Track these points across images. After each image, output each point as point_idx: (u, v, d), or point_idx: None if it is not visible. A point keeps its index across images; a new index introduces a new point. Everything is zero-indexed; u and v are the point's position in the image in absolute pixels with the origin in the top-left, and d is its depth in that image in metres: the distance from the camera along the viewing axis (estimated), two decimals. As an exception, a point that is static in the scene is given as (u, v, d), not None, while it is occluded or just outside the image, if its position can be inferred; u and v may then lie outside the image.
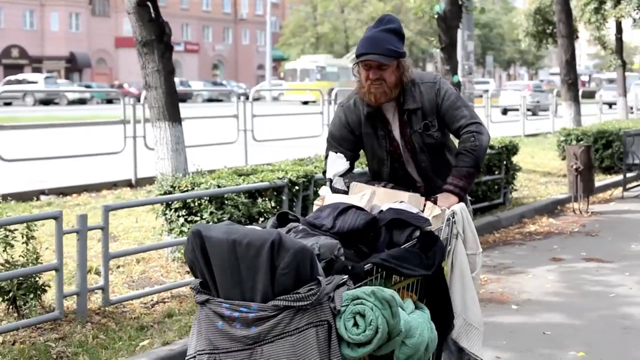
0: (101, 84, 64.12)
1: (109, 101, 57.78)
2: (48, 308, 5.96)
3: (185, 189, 7.08)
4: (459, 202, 4.27)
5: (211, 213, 6.89)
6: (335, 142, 4.57)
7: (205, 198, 6.91)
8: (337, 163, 4.47)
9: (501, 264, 8.31)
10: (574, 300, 7.02)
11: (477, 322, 4.24)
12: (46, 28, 75.22)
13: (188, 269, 5.98)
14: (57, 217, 5.62)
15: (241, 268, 3.27)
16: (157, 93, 7.46)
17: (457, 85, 11.80)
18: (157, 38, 7.40)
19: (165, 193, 7.14)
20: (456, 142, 4.56)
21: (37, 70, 69.09)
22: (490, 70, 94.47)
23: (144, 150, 12.51)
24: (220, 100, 59.93)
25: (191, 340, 3.46)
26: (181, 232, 7.03)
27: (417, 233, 3.91)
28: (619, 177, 13.74)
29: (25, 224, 5.91)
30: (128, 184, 12.06)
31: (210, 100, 60.63)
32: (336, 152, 4.52)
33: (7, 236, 5.83)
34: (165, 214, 7.22)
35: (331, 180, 4.43)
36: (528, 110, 26.19)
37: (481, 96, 24.67)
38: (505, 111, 34.46)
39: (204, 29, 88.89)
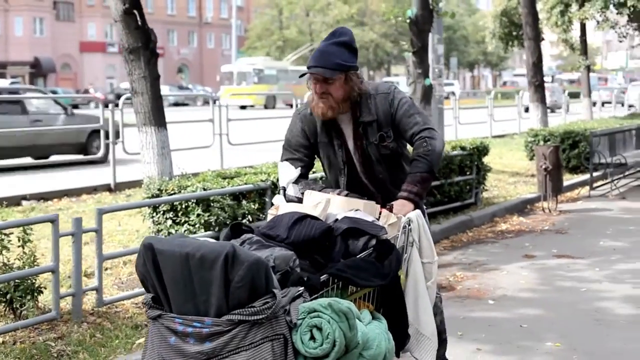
0: (66, 89, 63.77)
1: (75, 106, 57.64)
2: (44, 309, 6.15)
3: (172, 192, 7.29)
4: (415, 208, 4.26)
5: (198, 215, 7.11)
6: (291, 148, 4.55)
7: (193, 200, 7.12)
8: (289, 171, 4.45)
9: (476, 262, 8.60)
10: (547, 295, 7.32)
11: (429, 332, 4.19)
12: (10, 33, 74.81)
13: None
14: (54, 221, 5.82)
15: (194, 282, 3.21)
16: (143, 99, 7.67)
17: (429, 88, 12.10)
18: (143, 45, 7.61)
19: (152, 196, 7.35)
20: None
21: (1, 75, 68.60)
22: (454, 71, 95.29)
23: (122, 155, 12.71)
24: (186, 105, 60.02)
25: (143, 356, 3.41)
26: (169, 233, 7.24)
27: (373, 242, 3.88)
28: (585, 177, 14.15)
29: (21, 228, 6.09)
30: (107, 188, 12.23)
31: (176, 104, 60.60)
32: (291, 159, 4.51)
33: (2, 240, 6.03)
34: (152, 217, 7.42)
35: (284, 189, 4.42)
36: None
37: (448, 97, 25.04)
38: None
39: (169, 33, 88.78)
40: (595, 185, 13.62)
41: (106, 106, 13.04)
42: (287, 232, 3.77)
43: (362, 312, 3.65)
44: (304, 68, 4.70)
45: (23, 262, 6.04)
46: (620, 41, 26.76)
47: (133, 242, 8.25)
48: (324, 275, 3.56)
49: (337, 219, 3.98)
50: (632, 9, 21.78)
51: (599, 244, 9.45)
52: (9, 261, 5.98)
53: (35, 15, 75.48)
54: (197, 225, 7.10)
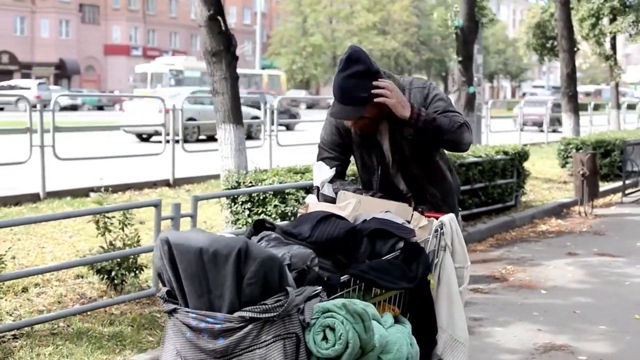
0: (92, 91, 64.70)
1: (100, 108, 58.53)
2: (144, 285, 6.79)
3: (250, 184, 7.92)
4: (411, 117, 3.99)
5: (275, 206, 7.73)
6: (327, 147, 4.41)
7: (270, 192, 7.75)
8: (323, 170, 4.34)
9: (523, 258, 9.19)
10: (594, 286, 7.92)
11: (463, 338, 4.12)
12: (36, 34, 75.77)
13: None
14: (157, 205, 6.43)
15: (208, 277, 3.16)
16: (223, 98, 8.29)
17: (473, 95, 12.72)
18: (225, 49, 8.23)
19: (231, 187, 7.98)
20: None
21: (26, 76, 69.56)
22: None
23: (181, 153, 13.40)
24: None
25: (162, 351, 3.37)
26: (246, 222, 7.86)
27: (401, 244, 3.76)
28: (617, 184, 14.72)
29: (121, 212, 6.74)
30: (166, 183, 12.91)
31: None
32: (327, 158, 4.38)
33: (105, 222, 6.69)
34: (230, 207, 8.05)
35: (318, 188, 4.31)
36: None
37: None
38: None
39: (192, 37, 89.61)
40: (627, 192, 14.20)
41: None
42: (311, 231, 3.67)
43: (384, 315, 3.57)
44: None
45: (125, 243, 6.67)
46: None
47: (219, 229, 8.76)
48: (345, 276, 3.48)
49: (365, 220, 3.87)
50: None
51: (637, 245, 10.03)
52: (113, 241, 6.62)
53: (61, 17, 76.43)
54: (273, 216, 7.72)
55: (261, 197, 7.83)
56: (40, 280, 6.80)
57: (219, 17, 8.19)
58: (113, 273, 6.61)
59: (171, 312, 3.26)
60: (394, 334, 3.47)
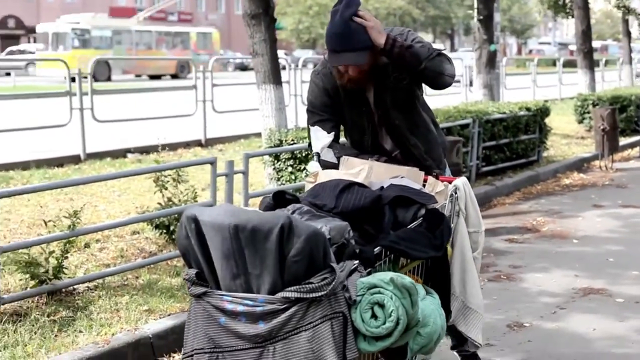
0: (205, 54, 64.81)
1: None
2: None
3: (292, 141, 8.26)
4: (385, 46, 3.84)
5: (318, 162, 8.08)
6: (318, 110, 4.22)
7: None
8: (321, 135, 4.17)
9: (551, 210, 9.55)
10: (623, 236, 8.28)
11: (476, 305, 4.06)
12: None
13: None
14: (213, 162, 6.78)
15: (245, 256, 2.98)
16: (263, 59, 8.61)
17: (494, 53, 13.02)
18: (264, 11, 8.54)
19: (274, 145, 8.32)
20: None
21: (33, 40, 69.60)
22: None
23: (211, 113, 13.76)
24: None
25: (186, 336, 3.17)
26: (289, 179, 8.21)
27: (423, 211, 3.67)
28: (634, 139, 15.09)
29: (174, 170, 7.09)
30: (198, 143, 13.28)
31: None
32: (320, 121, 4.20)
33: (161, 180, 7.05)
34: (274, 164, 8.41)
35: (319, 155, 4.16)
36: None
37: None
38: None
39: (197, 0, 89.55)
40: (644, 146, 14.54)
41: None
42: (335, 201, 3.55)
43: (416, 286, 3.33)
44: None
45: (180, 199, 7.03)
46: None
47: (258, 187, 9.09)
48: (377, 248, 3.34)
49: (382, 187, 3.76)
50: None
51: (659, 196, 10.40)
52: (170, 199, 6.97)
53: (65, -21, 76.36)
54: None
55: (303, 154, 8.17)
56: (100, 236, 7.18)
57: (258, -19, 8.48)
58: (172, 227, 6.98)
59: (200, 296, 3.09)
60: (428, 307, 3.39)
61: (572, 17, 24.43)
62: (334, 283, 2.96)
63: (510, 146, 11.49)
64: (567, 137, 15.79)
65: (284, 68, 18.18)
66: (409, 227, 3.58)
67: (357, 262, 3.14)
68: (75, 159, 11.32)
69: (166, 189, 7.04)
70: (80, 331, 5.00)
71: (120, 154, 11.91)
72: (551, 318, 5.71)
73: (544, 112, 12.36)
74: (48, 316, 5.22)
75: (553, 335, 5.37)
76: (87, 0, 77.61)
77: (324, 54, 4.14)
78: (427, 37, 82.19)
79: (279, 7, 78.46)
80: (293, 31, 77.40)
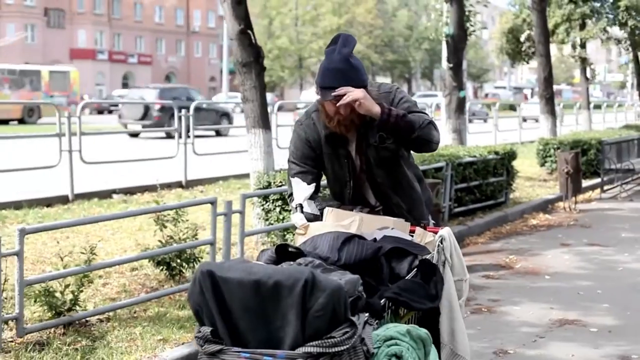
0: (61, 96, 64.86)
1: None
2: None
3: (280, 183, 8.72)
4: (382, 117, 3.94)
5: (306, 203, 8.55)
6: (299, 161, 4.25)
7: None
8: (302, 187, 4.21)
9: (521, 248, 10.10)
10: (591, 272, 8.84)
11: (463, 352, 4.10)
12: (1, 39, 75.64)
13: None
14: (213, 202, 7.23)
15: (266, 311, 3.00)
16: (253, 105, 9.08)
17: (463, 99, 13.66)
18: (254, 60, 9.01)
19: (263, 187, 8.78)
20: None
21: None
22: (436, 83, 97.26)
23: (192, 156, 14.22)
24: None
25: None
26: (277, 219, 8.66)
27: (416, 262, 3.72)
28: (595, 181, 15.78)
29: (175, 210, 7.51)
30: (179, 185, 13.70)
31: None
32: (301, 173, 4.23)
33: (160, 219, 7.47)
34: (262, 205, 8.86)
35: (301, 206, 4.18)
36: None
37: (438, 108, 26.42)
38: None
39: (157, 41, 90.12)
40: (605, 188, 15.23)
41: (100, 112, 14.12)
42: (338, 254, 3.59)
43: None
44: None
45: (180, 237, 7.44)
46: (620, 54, 28.40)
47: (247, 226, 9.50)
48: (383, 299, 3.41)
49: (375, 239, 3.80)
50: (631, 28, 23.55)
51: (622, 236, 11.00)
52: (171, 237, 7.38)
53: (26, 21, 76.47)
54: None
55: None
56: (102, 272, 7.56)
57: (249, 31, 8.97)
58: (172, 264, 7.40)
59: (215, 354, 3.06)
60: (433, 356, 3.47)
61: (527, 62, 25.41)
62: (355, 337, 2.98)
63: (480, 188, 12.05)
64: (531, 180, 16.43)
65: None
66: (406, 278, 3.63)
67: (367, 314, 3.18)
68: (63, 199, 11.67)
69: (166, 227, 7.44)
70: (103, 359, 5.39)
71: (107, 194, 12.30)
72: (532, 346, 6.21)
73: (511, 155, 12.97)
74: (69, 345, 5.61)
75: (536, 360, 5.88)
76: (47, 41, 77.77)
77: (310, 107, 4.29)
78: (386, 81, 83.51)
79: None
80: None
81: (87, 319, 6.22)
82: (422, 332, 3.25)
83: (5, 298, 5.86)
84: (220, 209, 7.31)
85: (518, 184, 15.52)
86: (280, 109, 17.50)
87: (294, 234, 4.27)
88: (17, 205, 10.93)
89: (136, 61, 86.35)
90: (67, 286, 6.12)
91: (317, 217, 4.13)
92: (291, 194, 4.30)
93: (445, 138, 14.15)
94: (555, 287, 8.14)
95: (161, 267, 7.46)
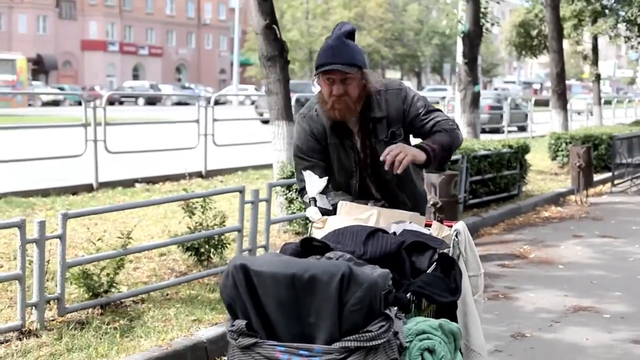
0: (74, 87, 65.36)
1: (80, 103, 59.16)
2: (228, 260, 7.86)
3: (303, 174, 9.01)
4: (427, 160, 3.98)
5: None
6: (306, 155, 4.25)
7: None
8: (316, 181, 4.19)
9: (535, 239, 10.38)
10: (603, 262, 9.11)
11: (478, 347, 4.10)
12: (14, 30, 76.19)
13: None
14: (242, 191, 7.53)
15: (301, 305, 2.99)
16: (277, 98, 9.36)
17: (478, 93, 13.93)
18: (279, 54, 9.29)
19: (286, 177, 9.06)
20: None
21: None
22: (445, 77, 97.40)
23: (212, 146, 14.57)
24: (187, 104, 61.41)
25: None
26: (299, 208, 8.94)
27: (436, 256, 3.72)
28: (605, 175, 16.04)
29: (203, 198, 7.80)
30: (199, 175, 14.02)
31: (179, 103, 62.05)
32: (310, 167, 4.23)
33: (189, 206, 7.76)
34: (285, 194, 9.15)
35: (315, 200, 4.18)
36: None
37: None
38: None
39: (168, 33, 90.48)
40: (616, 182, 15.49)
41: (111, 104, 14.21)
42: (363, 248, 3.58)
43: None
44: None
45: (208, 225, 7.72)
46: (627, 53, 28.75)
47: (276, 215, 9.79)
48: (409, 293, 3.42)
49: (394, 233, 3.82)
50: (640, 26, 23.86)
51: (632, 228, 11.27)
52: (200, 224, 7.66)
53: (38, 13, 76.87)
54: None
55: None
56: (132, 257, 7.86)
57: (274, 26, 9.24)
58: (201, 250, 7.69)
59: (249, 347, 3.05)
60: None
61: (536, 57, 25.61)
62: (391, 330, 3.00)
63: (494, 181, 12.32)
64: (542, 173, 16.68)
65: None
66: (427, 272, 3.64)
67: (396, 308, 3.18)
68: (88, 188, 11.98)
69: (194, 214, 7.73)
70: (141, 337, 5.68)
71: (129, 183, 12.62)
72: (548, 330, 6.50)
73: (524, 149, 13.25)
74: (108, 324, 5.90)
75: (552, 344, 6.15)
76: (59, 32, 78.09)
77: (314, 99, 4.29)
78: (396, 75, 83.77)
79: (249, 43, 79.65)
80: (264, 67, 78.46)
81: (122, 300, 6.52)
82: (454, 326, 3.29)
83: (47, 280, 6.14)
84: (248, 197, 7.61)
85: (530, 177, 15.74)
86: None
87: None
88: (44, 193, 11.26)
89: (147, 53, 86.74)
90: (102, 269, 6.41)
91: (330, 212, 4.13)
92: (302, 189, 4.30)
93: (461, 132, 14.39)
94: (569, 276, 8.41)
95: (190, 253, 7.74)
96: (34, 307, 5.78)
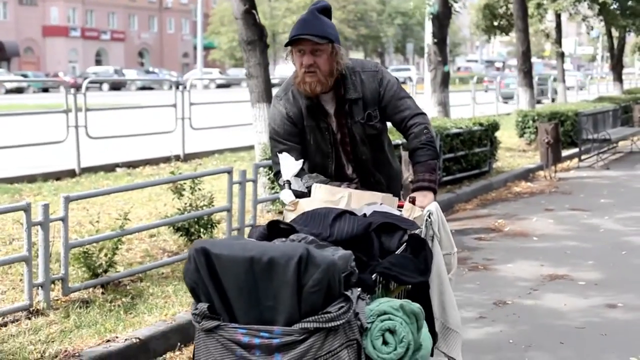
0: (37, 74, 64.89)
1: (45, 90, 58.84)
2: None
3: (286, 155, 9.30)
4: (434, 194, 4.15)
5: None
6: (282, 138, 4.29)
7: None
8: (291, 163, 4.21)
9: (507, 213, 10.76)
10: (575, 233, 9.51)
11: (455, 325, 4.13)
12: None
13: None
14: (230, 172, 7.80)
15: (260, 288, 3.02)
16: (257, 81, 9.62)
17: (447, 73, 14.28)
18: (258, 38, 9.54)
19: (268, 158, 9.33)
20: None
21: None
22: (408, 57, 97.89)
23: (189, 130, 14.81)
24: (152, 89, 61.26)
25: None
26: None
27: (406, 237, 3.73)
28: (571, 151, 16.49)
29: (192, 180, 8.06)
30: (178, 158, 14.25)
31: (143, 88, 61.88)
32: (285, 149, 4.26)
33: (178, 188, 8.02)
34: (268, 174, 9.44)
35: (289, 182, 4.19)
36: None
37: (405, 82, 27.02)
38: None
39: (130, 18, 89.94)
40: (582, 157, 15.95)
41: (78, 89, 13.96)
42: (329, 229, 3.60)
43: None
44: None
45: (198, 205, 7.98)
46: (588, 33, 29.37)
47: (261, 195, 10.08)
48: (374, 274, 3.42)
49: (364, 214, 3.82)
50: (602, 3, 24.26)
51: (600, 202, 11.70)
52: (190, 204, 7.92)
53: (-2, -2, 76.13)
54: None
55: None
56: (124, 239, 8.10)
57: (254, 11, 9.49)
58: (191, 230, 7.96)
59: (212, 329, 3.09)
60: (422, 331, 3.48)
61: (505, 34, 26.01)
62: (350, 311, 3.03)
63: (466, 158, 12.69)
64: (510, 150, 17.10)
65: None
66: (396, 253, 3.64)
67: (359, 289, 3.20)
68: (71, 173, 12.19)
69: (183, 196, 7.99)
70: (144, 313, 5.96)
71: (111, 168, 12.84)
72: (528, 297, 6.87)
73: (494, 127, 13.63)
74: (110, 302, 6.17)
75: (532, 309, 6.53)
76: (20, 18, 77.38)
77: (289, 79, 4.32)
78: (359, 55, 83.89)
79: (212, 27, 79.55)
80: (227, 50, 78.51)
81: (121, 280, 6.78)
82: (415, 307, 3.29)
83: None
84: (235, 178, 7.88)
85: (499, 154, 16.16)
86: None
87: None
88: (29, 179, 11.46)
89: (109, 38, 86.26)
90: (100, 249, 6.67)
91: (305, 194, 4.14)
92: (278, 172, 4.32)
93: (431, 111, 14.76)
94: (544, 247, 8.80)
95: (180, 233, 8.00)
96: (40, 288, 6.03)
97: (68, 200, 6.23)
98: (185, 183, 8.02)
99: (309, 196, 4.12)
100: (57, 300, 6.17)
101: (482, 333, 5.92)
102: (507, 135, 19.19)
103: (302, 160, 4.23)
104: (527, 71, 19.85)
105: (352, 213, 3.75)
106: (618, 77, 30.01)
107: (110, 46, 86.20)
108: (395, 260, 3.53)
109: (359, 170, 4.34)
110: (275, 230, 3.67)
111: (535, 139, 16.49)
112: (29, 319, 5.77)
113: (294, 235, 3.55)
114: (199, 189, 8.05)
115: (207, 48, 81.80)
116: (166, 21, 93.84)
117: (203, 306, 3.10)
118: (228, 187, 7.84)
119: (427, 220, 4.01)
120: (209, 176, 9.42)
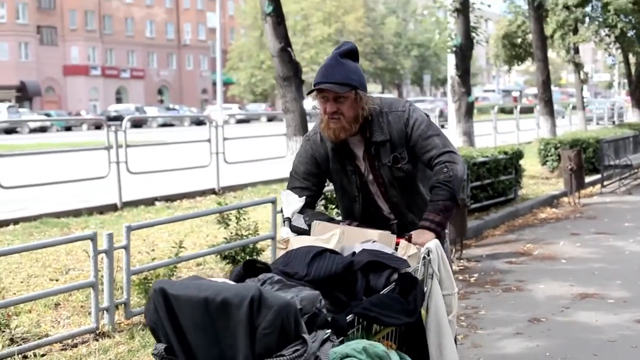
0: (59, 112, 65.82)
1: (68, 129, 59.69)
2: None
3: (323, 185, 9.74)
4: (436, 237, 3.99)
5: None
6: (298, 176, 4.29)
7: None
8: (291, 200, 4.22)
9: (536, 238, 11.15)
10: (602, 255, 9.89)
11: None
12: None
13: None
14: (274, 202, 8.26)
15: (218, 327, 3.00)
16: (294, 115, 10.09)
17: (472, 104, 14.74)
18: (294, 74, 10.02)
19: (306, 189, 9.80)
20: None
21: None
22: (425, 89, 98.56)
23: (223, 164, 15.31)
24: (172, 125, 61.85)
25: None
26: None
27: (395, 276, 3.65)
28: (593, 177, 16.88)
29: (236, 210, 8.51)
30: (213, 192, 14.75)
31: (164, 125, 62.53)
32: (298, 187, 4.28)
33: (224, 218, 8.47)
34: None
35: (290, 219, 4.18)
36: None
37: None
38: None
39: (149, 55, 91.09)
40: (605, 183, 16.35)
41: (98, 128, 14.70)
42: (307, 269, 3.55)
43: (390, 353, 3.37)
44: None
45: (243, 234, 8.41)
46: (611, 58, 29.81)
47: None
48: (350, 316, 3.34)
49: (354, 252, 3.77)
50: (621, 30, 24.72)
51: (624, 225, 12.07)
52: (237, 233, 8.36)
53: (20, 40, 77.26)
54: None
55: (333, 195, 9.65)
56: (174, 267, 8.54)
57: (289, 49, 9.99)
58: (237, 258, 8.40)
59: None
60: None
61: (520, 64, 26.47)
62: (305, 355, 2.95)
63: (493, 185, 13.10)
64: (534, 178, 17.48)
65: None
66: (381, 292, 3.56)
67: (329, 331, 3.13)
68: (113, 207, 12.68)
69: (229, 225, 8.43)
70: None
71: (150, 202, 13.34)
72: (561, 314, 7.26)
73: (518, 155, 14.04)
74: (170, 325, 6.61)
75: (566, 325, 6.92)
76: (41, 58, 78.45)
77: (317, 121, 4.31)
78: (376, 88, 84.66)
79: (231, 62, 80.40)
80: (246, 86, 79.39)
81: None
82: (380, 350, 3.21)
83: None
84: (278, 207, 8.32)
85: (523, 182, 16.59)
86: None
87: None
88: (75, 213, 11.96)
89: (129, 76, 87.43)
90: (157, 276, 7.13)
91: (306, 231, 4.12)
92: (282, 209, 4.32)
93: (457, 141, 15.19)
94: (572, 269, 9.18)
95: (227, 261, 8.44)
96: (105, 312, 6.49)
97: (130, 229, 6.69)
98: (230, 213, 8.47)
99: (309, 234, 4.11)
100: (120, 323, 6.62)
101: (520, 347, 6.32)
102: (529, 164, 19.52)
103: (304, 198, 4.22)
104: (547, 100, 20.31)
105: (334, 252, 3.72)
106: (637, 104, 30.36)
107: (130, 84, 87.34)
108: (376, 300, 3.45)
109: (394, 211, 4.33)
110: (252, 269, 3.66)
111: (558, 166, 16.87)
112: (97, 340, 6.23)
113: (261, 275, 3.52)
114: (244, 219, 8.50)
115: (226, 84, 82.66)
116: (185, 58, 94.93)
117: (161, 347, 3.14)
118: (272, 216, 8.28)
119: (424, 258, 3.88)
120: (250, 207, 9.87)
